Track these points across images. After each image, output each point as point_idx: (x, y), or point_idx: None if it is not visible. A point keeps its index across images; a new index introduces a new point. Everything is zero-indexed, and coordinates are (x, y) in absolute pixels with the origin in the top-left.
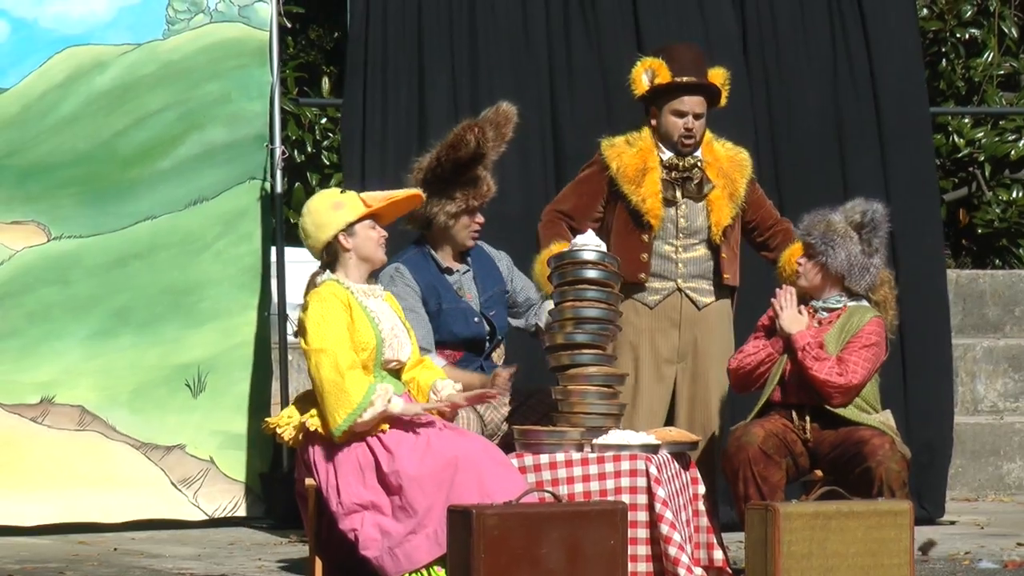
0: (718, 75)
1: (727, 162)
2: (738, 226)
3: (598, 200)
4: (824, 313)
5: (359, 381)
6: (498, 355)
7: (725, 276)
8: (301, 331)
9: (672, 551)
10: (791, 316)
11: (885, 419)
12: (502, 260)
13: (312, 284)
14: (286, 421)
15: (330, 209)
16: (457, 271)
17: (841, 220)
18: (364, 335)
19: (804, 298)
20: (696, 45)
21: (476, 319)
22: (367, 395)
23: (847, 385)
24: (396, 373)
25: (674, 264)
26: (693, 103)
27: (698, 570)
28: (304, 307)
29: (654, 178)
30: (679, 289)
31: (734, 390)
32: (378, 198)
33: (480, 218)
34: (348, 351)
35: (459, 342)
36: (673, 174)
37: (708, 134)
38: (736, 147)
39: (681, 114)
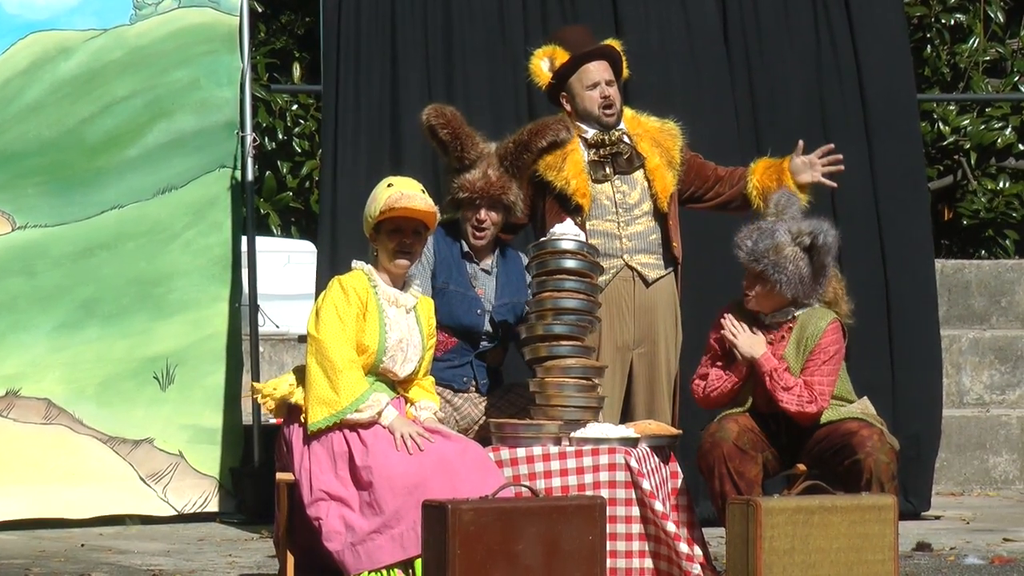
0: (614, 45)
1: (657, 132)
2: (675, 196)
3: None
4: (774, 328)
5: (354, 383)
6: (491, 358)
7: (674, 244)
8: (314, 311)
9: (666, 545)
10: (748, 340)
11: (865, 407)
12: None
13: (350, 267)
14: (270, 391)
15: (368, 202)
16: (477, 263)
17: (788, 242)
18: (368, 338)
19: (751, 315)
20: (583, 26)
21: (479, 311)
22: (357, 401)
23: (819, 411)
24: (391, 383)
25: (619, 240)
26: (600, 69)
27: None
28: (326, 288)
29: (575, 159)
30: (627, 265)
31: (701, 407)
32: (389, 203)
33: (482, 215)
34: (350, 348)
35: (457, 328)
36: (601, 152)
37: (630, 110)
38: (662, 119)
39: (593, 85)
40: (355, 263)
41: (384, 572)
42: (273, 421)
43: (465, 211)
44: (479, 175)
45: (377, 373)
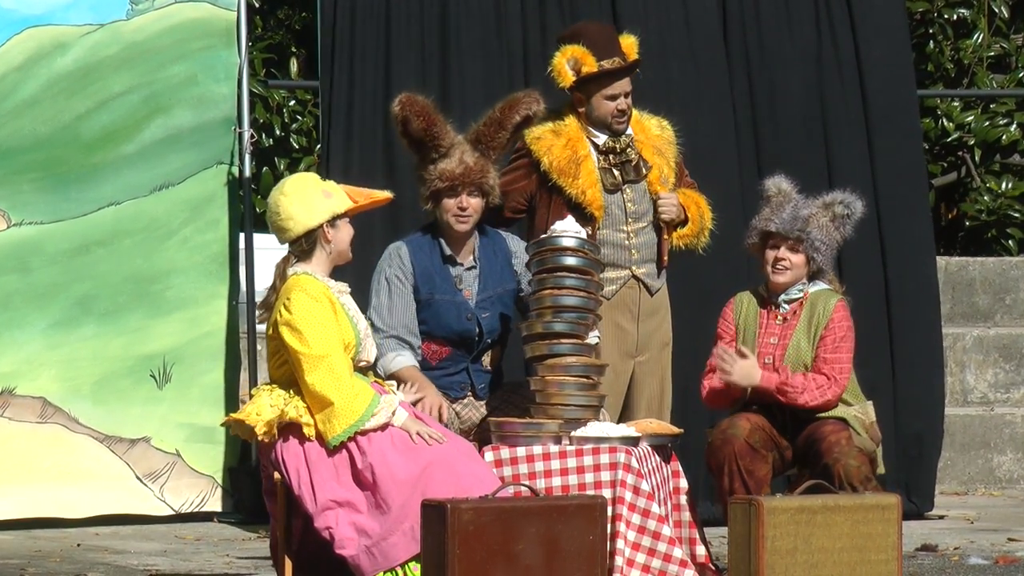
0: (632, 45)
1: (658, 140)
2: None
3: (522, 194)
4: (785, 307)
5: (361, 391)
6: (489, 359)
7: (664, 259)
8: (291, 330)
9: (662, 547)
10: (742, 371)
11: (860, 411)
12: (519, 257)
13: (282, 275)
14: (255, 418)
15: (320, 195)
16: (461, 264)
17: (819, 211)
18: (346, 335)
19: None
20: (605, 24)
21: (468, 317)
22: (370, 406)
23: (841, 390)
24: (362, 372)
25: (627, 251)
26: (623, 84)
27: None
28: (287, 302)
29: (589, 167)
30: (634, 276)
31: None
32: (362, 195)
33: (464, 201)
34: (345, 355)
35: (449, 337)
36: (611, 158)
37: (635, 111)
38: (660, 120)
39: (614, 96)
40: (294, 270)
41: (399, 570)
42: None
43: (445, 200)
44: (456, 162)
45: (353, 366)
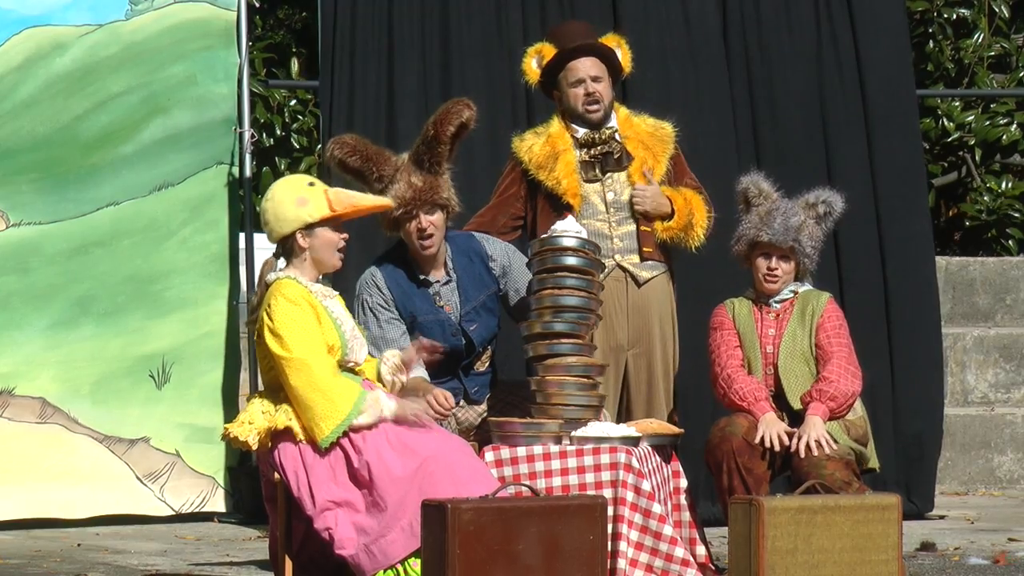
0: (611, 39)
1: (648, 137)
2: None
3: (518, 199)
4: (776, 305)
5: (346, 390)
6: (482, 365)
7: (645, 250)
8: (272, 335)
9: (664, 547)
10: (815, 434)
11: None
12: (496, 260)
13: (264, 280)
14: (248, 429)
15: (293, 204)
16: (437, 281)
17: (805, 216)
18: (329, 337)
19: (761, 297)
20: (582, 22)
21: (453, 333)
22: (356, 404)
23: (858, 369)
24: (352, 373)
25: (610, 240)
26: (585, 66)
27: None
28: (268, 308)
29: (567, 159)
30: (619, 265)
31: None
32: (344, 203)
33: (423, 222)
34: (328, 357)
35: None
36: (593, 151)
37: (625, 110)
38: (658, 121)
39: (578, 81)
40: (275, 275)
41: (399, 567)
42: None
43: (405, 226)
44: (404, 187)
45: (341, 367)
